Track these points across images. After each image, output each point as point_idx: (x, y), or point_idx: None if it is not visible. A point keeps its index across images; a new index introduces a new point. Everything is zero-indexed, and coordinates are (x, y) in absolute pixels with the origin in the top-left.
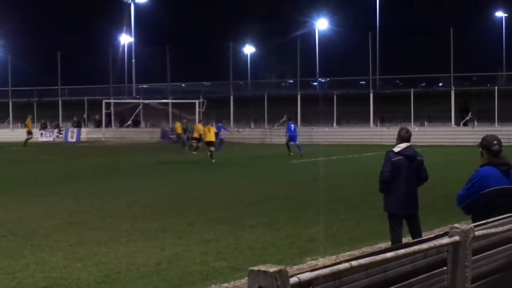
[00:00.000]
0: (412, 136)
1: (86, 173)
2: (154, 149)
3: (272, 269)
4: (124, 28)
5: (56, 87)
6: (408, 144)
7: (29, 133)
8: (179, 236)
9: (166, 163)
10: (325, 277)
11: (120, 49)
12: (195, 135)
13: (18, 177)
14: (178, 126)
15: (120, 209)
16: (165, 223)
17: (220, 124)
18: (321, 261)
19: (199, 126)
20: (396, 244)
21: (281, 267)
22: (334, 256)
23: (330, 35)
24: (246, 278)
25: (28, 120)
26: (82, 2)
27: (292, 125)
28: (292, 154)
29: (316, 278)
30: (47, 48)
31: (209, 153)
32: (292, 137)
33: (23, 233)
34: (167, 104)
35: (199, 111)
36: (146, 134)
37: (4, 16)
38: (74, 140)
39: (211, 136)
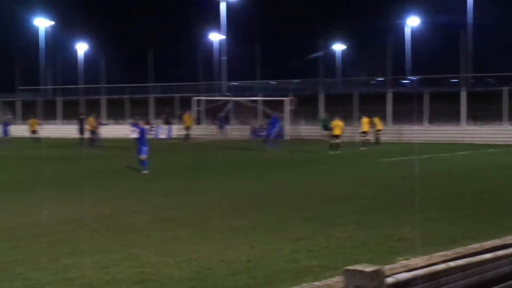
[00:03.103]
0: (505, 135)
1: (175, 169)
2: (243, 146)
3: (369, 268)
4: (215, 26)
5: (147, 84)
6: None
7: (187, 128)
8: (269, 234)
9: (255, 160)
10: (422, 277)
11: (211, 46)
12: (337, 131)
13: (109, 173)
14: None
15: (210, 206)
16: (255, 220)
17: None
18: (413, 261)
19: (339, 122)
20: None
21: (377, 267)
22: (427, 256)
23: (421, 32)
24: (337, 277)
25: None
26: (173, 0)
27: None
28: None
29: (413, 279)
30: (139, 46)
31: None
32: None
33: (116, 228)
34: (256, 101)
35: (288, 109)
36: (236, 131)
37: (98, 14)
38: (165, 136)
39: (338, 130)
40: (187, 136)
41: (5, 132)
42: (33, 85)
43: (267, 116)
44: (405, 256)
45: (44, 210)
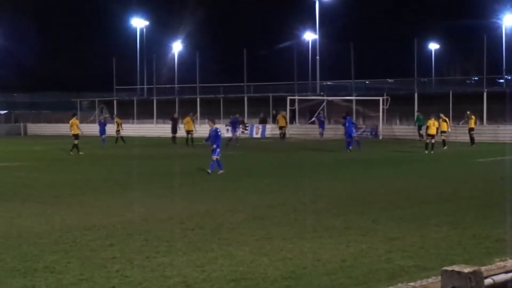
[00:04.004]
0: None
1: (268, 168)
2: (337, 146)
3: (467, 269)
4: (309, 26)
5: (242, 84)
6: None
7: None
8: (364, 233)
9: (349, 159)
10: None
11: (305, 46)
12: (432, 131)
13: (202, 172)
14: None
15: (304, 205)
16: (349, 220)
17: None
18: (510, 263)
19: (435, 122)
20: None
21: (475, 268)
22: None
23: None
24: (433, 277)
25: (281, 117)
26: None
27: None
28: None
29: (511, 280)
30: (233, 45)
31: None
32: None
33: (210, 226)
34: (350, 101)
35: (383, 108)
36: (330, 130)
37: (193, 15)
38: (259, 136)
39: (433, 130)
40: (282, 136)
41: (102, 131)
42: (129, 85)
43: (343, 117)
44: (502, 257)
45: (140, 208)
